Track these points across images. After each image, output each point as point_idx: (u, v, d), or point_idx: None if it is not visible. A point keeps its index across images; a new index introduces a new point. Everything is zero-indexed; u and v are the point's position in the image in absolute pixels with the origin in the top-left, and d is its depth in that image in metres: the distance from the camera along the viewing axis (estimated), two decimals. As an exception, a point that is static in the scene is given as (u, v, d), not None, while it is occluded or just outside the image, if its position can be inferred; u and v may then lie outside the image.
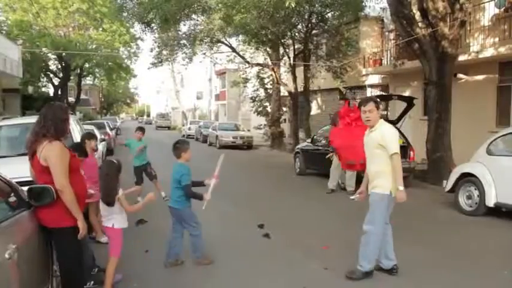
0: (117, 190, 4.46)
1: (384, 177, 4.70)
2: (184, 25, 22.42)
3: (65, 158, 3.63)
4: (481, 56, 12.59)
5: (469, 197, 8.26)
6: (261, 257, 5.70)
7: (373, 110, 4.76)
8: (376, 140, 4.73)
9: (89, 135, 6.37)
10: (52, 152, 3.57)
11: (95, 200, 5.30)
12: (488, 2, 12.58)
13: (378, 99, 4.89)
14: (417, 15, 12.03)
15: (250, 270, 5.26)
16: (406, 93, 15.22)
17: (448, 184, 8.80)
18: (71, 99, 33.46)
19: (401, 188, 4.61)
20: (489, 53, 12.36)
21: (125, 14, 19.86)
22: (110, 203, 4.43)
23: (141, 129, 9.39)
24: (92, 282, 4.57)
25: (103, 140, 12.59)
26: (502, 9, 12.63)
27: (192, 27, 22.34)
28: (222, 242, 6.39)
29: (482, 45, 13.16)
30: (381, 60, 18.37)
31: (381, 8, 18.27)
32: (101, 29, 27.46)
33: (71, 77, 31.64)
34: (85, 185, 3.97)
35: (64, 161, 3.60)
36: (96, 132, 11.93)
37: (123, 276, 4.84)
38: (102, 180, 4.58)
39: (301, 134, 22.25)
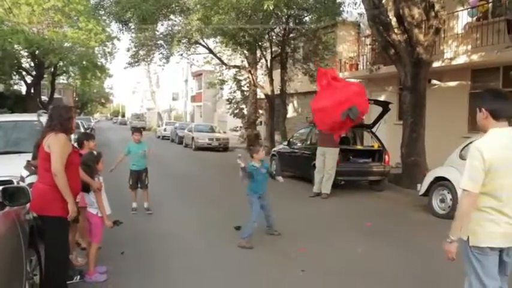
0: (93, 178, 4.78)
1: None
2: (162, 25, 22.28)
3: (66, 149, 4.02)
4: (454, 62, 12.87)
5: (442, 201, 8.44)
6: (238, 259, 5.69)
7: (477, 111, 3.18)
8: None
9: (86, 136, 6.06)
10: (55, 141, 3.98)
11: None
12: (462, 10, 12.87)
13: (483, 93, 3.24)
14: (393, 21, 12.23)
15: (226, 271, 5.25)
16: (382, 98, 15.43)
17: (422, 188, 8.97)
18: (44, 98, 32.78)
19: (452, 238, 3.10)
20: (462, 60, 12.65)
21: (101, 13, 19.59)
22: (84, 189, 4.69)
23: (138, 130, 8.71)
24: (78, 276, 4.73)
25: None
26: (475, 18, 12.95)
27: (170, 28, 22.21)
28: (198, 243, 6.36)
29: (455, 53, 13.46)
30: (357, 64, 18.58)
31: (358, 14, 18.44)
32: (76, 27, 26.98)
33: (45, 75, 30.99)
34: (79, 181, 4.27)
35: (64, 151, 3.99)
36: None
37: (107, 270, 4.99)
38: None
39: (277, 137, 22.33)
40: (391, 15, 12.41)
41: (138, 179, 8.36)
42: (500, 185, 2.98)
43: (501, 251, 3.08)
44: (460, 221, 3.05)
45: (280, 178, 7.04)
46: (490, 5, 12.58)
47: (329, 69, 11.26)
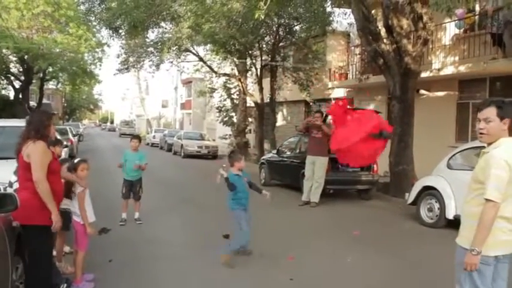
0: (74, 184, 4.78)
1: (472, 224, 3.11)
2: (153, 32, 22.29)
3: (46, 158, 3.95)
4: (442, 73, 13.01)
5: (430, 210, 8.50)
6: (227, 267, 5.67)
7: (492, 120, 3.10)
8: (479, 168, 3.14)
9: (53, 142, 5.73)
10: (34, 150, 3.90)
11: None
12: (449, 22, 13.04)
13: (502, 102, 3.15)
14: (382, 31, 12.35)
15: (214, 279, 5.23)
16: (371, 107, 15.53)
17: (410, 197, 9.03)
18: (33, 103, 32.56)
19: (478, 249, 2.97)
20: (449, 70, 12.79)
21: (92, 19, 19.56)
22: (66, 194, 4.69)
23: (137, 137, 8.29)
24: (65, 285, 4.63)
25: (66, 146, 12.33)
26: (462, 30, 13.13)
27: (160, 35, 22.24)
28: (186, 250, 6.33)
29: (443, 63, 13.62)
30: (347, 74, 18.71)
31: (347, 23, 18.61)
32: (66, 33, 26.87)
33: (33, 81, 30.78)
34: (61, 189, 4.21)
35: (44, 159, 3.92)
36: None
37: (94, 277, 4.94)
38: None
39: (267, 145, 22.38)
40: (380, 25, 12.54)
41: (131, 188, 7.99)
42: (509, 193, 3.01)
43: (501, 257, 3.11)
44: (486, 232, 2.98)
45: (266, 193, 6.10)
46: (477, 17, 12.77)
47: (341, 103, 10.78)
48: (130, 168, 7.92)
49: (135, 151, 8.07)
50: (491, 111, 3.10)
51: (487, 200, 2.95)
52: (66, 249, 5.71)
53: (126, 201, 8.00)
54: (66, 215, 4.90)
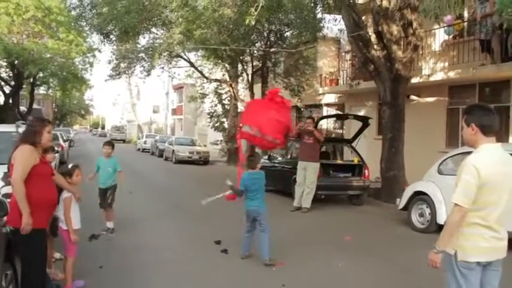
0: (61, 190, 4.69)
1: None
2: (144, 38, 22.28)
3: (29, 160, 3.97)
4: (432, 79, 13.11)
5: (421, 215, 8.54)
6: (218, 273, 5.66)
7: (463, 126, 3.21)
8: (458, 173, 3.12)
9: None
10: (18, 153, 3.98)
11: None
12: (438, 28, 13.16)
13: (469, 108, 3.29)
14: (373, 37, 12.44)
15: (206, 285, 5.21)
16: (361, 113, 15.61)
17: (401, 202, 9.07)
18: (23, 108, 32.30)
19: (438, 248, 3.13)
20: (439, 76, 12.90)
21: (83, 24, 19.51)
22: None
23: (109, 144, 7.95)
24: None
25: (56, 151, 12.25)
26: (451, 36, 13.25)
27: (151, 41, 22.23)
28: (177, 256, 6.30)
29: (433, 69, 13.73)
30: (338, 79, 18.80)
31: (338, 30, 18.72)
32: (56, 38, 26.73)
33: (24, 86, 30.56)
34: (51, 192, 4.18)
35: (26, 162, 3.94)
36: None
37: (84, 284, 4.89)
38: None
39: (258, 150, 22.35)
40: (370, 31, 12.64)
41: (103, 195, 7.63)
42: (488, 200, 3.00)
43: (486, 264, 3.09)
44: (449, 234, 3.05)
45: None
46: (466, 23, 12.90)
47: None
48: (104, 176, 7.63)
49: (108, 158, 7.75)
50: (464, 118, 3.20)
51: (454, 204, 2.99)
52: (57, 255, 5.65)
53: (107, 210, 7.67)
54: (55, 221, 4.86)
